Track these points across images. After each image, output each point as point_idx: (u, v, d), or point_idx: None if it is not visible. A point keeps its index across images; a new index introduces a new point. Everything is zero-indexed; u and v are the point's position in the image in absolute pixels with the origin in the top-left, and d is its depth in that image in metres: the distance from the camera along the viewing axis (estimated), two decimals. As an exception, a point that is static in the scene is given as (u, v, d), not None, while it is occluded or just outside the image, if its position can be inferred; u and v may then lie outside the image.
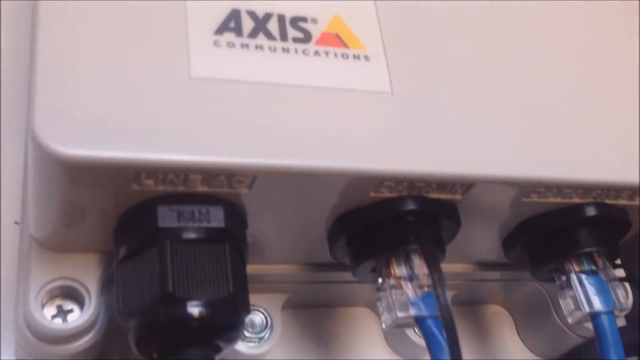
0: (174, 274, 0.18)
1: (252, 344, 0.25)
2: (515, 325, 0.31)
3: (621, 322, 0.29)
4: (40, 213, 0.20)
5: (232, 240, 0.19)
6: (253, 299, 0.25)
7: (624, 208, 0.23)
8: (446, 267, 0.26)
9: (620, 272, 0.25)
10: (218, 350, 0.19)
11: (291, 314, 0.27)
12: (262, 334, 0.25)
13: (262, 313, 0.25)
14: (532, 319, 0.30)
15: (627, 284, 0.27)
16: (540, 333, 0.29)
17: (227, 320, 0.18)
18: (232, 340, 0.19)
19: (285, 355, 0.27)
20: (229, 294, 0.18)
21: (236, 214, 0.19)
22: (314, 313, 0.28)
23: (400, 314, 0.21)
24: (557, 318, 0.28)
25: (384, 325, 0.21)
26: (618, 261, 0.26)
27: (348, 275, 0.24)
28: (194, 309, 0.17)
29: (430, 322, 0.21)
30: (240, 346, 0.25)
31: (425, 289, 0.21)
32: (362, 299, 0.28)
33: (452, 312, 0.19)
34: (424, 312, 0.21)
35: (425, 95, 0.21)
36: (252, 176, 0.18)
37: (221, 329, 0.18)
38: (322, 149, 0.19)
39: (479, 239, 0.24)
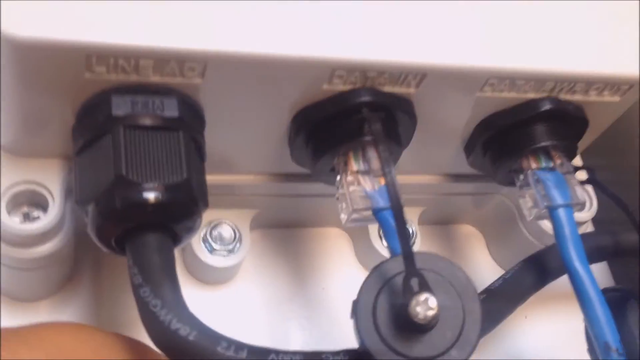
0: (127, 158, 0.18)
1: (222, 257, 0.25)
2: (486, 243, 0.31)
3: (589, 228, 0.30)
4: (2, 115, 0.20)
5: (186, 130, 0.19)
6: (222, 214, 0.26)
7: (580, 105, 0.24)
8: (413, 179, 0.27)
9: (583, 175, 0.26)
10: (176, 239, 0.19)
11: (263, 234, 0.28)
12: (231, 247, 0.25)
13: (231, 227, 0.26)
14: (501, 234, 0.30)
15: (590, 187, 0.28)
16: (509, 247, 0.30)
17: (183, 205, 0.18)
18: (189, 229, 0.19)
19: (257, 274, 0.27)
20: (183, 179, 0.18)
21: (191, 108, 0.20)
22: (286, 233, 0.28)
23: (356, 206, 0.21)
24: (523, 229, 0.29)
25: (343, 221, 0.22)
26: (580, 164, 0.27)
27: (315, 187, 0.24)
28: (149, 192, 0.18)
29: (386, 214, 0.21)
30: (210, 259, 0.25)
31: (383, 182, 0.22)
32: (333, 218, 0.29)
33: (401, 198, 0.19)
34: (381, 204, 0.21)
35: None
36: (202, 62, 0.18)
37: (177, 214, 0.19)
38: (271, 37, 0.19)
39: (441, 144, 0.25)
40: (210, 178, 0.24)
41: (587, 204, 0.28)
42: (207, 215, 0.26)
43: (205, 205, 0.20)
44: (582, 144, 0.27)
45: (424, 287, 0.18)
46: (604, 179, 0.27)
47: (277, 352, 0.18)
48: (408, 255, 0.18)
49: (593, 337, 0.22)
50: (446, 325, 0.18)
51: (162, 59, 0.18)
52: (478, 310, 0.18)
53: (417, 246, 0.28)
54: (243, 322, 0.26)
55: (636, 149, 0.35)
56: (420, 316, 0.17)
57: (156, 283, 0.18)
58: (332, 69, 0.20)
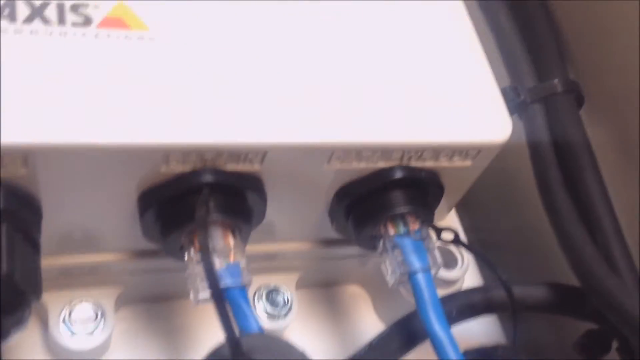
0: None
1: (83, 338, 0.24)
2: (372, 302, 0.31)
3: (466, 283, 0.29)
4: None
5: (11, 221, 0.19)
6: (84, 293, 0.25)
7: (434, 170, 0.24)
8: (285, 246, 0.27)
9: (448, 235, 0.26)
10: (3, 334, 0.18)
11: (133, 310, 0.27)
12: (93, 327, 0.24)
13: (92, 306, 0.25)
14: (384, 292, 0.30)
15: (459, 247, 0.28)
16: (393, 306, 0.30)
17: (5, 300, 0.18)
18: (15, 324, 0.18)
19: (127, 353, 0.26)
20: (3, 274, 0.18)
21: (21, 197, 0.19)
22: (157, 307, 0.28)
23: (203, 288, 0.21)
24: (402, 288, 0.29)
25: (192, 300, 0.21)
26: (446, 224, 0.28)
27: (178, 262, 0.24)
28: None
29: (234, 292, 0.21)
30: (70, 341, 0.24)
31: (231, 259, 0.21)
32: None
33: (218, 283, 0.19)
34: (228, 283, 0.21)
35: (211, 68, 0.21)
36: (21, 155, 0.18)
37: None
38: (92, 126, 0.19)
39: (305, 213, 0.25)
40: (69, 259, 0.23)
41: (459, 262, 0.28)
42: (68, 295, 0.25)
43: (36, 295, 0.19)
44: (448, 204, 0.27)
45: (251, 376, 0.17)
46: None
47: None
48: (233, 343, 0.18)
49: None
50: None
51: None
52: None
53: (294, 313, 0.28)
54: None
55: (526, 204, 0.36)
56: (246, 406, 0.17)
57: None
58: (165, 154, 0.20)
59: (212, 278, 0.18)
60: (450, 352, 0.23)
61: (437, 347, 0.23)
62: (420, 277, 0.23)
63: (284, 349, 0.18)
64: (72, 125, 0.19)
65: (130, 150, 0.19)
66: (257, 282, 0.28)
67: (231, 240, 0.21)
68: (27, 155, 0.18)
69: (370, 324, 0.30)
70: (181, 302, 0.28)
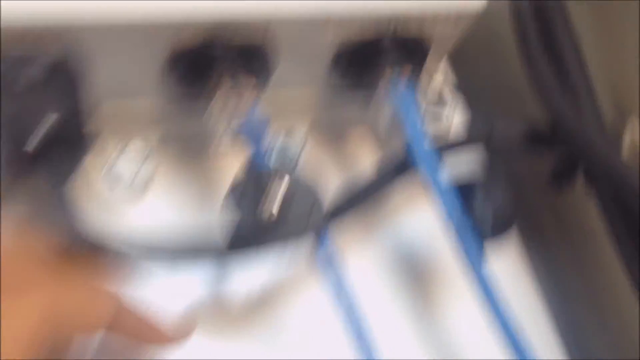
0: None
1: (132, 173, 0.30)
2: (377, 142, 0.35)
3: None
4: None
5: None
6: (132, 133, 0.29)
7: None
8: (297, 90, 0.30)
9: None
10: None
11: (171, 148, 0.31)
12: (141, 161, 0.29)
13: (140, 144, 0.29)
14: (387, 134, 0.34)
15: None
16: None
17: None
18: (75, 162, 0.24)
19: (168, 186, 0.31)
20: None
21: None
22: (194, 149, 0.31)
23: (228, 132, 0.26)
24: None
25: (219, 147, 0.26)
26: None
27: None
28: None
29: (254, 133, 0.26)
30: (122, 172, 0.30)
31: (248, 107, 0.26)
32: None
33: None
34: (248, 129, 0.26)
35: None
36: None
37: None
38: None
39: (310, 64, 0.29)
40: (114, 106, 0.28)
41: (449, 103, 0.32)
42: (119, 136, 0.29)
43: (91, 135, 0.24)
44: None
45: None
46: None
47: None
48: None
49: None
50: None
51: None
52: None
53: (306, 152, 0.31)
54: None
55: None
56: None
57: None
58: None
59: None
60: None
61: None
62: (410, 115, 0.27)
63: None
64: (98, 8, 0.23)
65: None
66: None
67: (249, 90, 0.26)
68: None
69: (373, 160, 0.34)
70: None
